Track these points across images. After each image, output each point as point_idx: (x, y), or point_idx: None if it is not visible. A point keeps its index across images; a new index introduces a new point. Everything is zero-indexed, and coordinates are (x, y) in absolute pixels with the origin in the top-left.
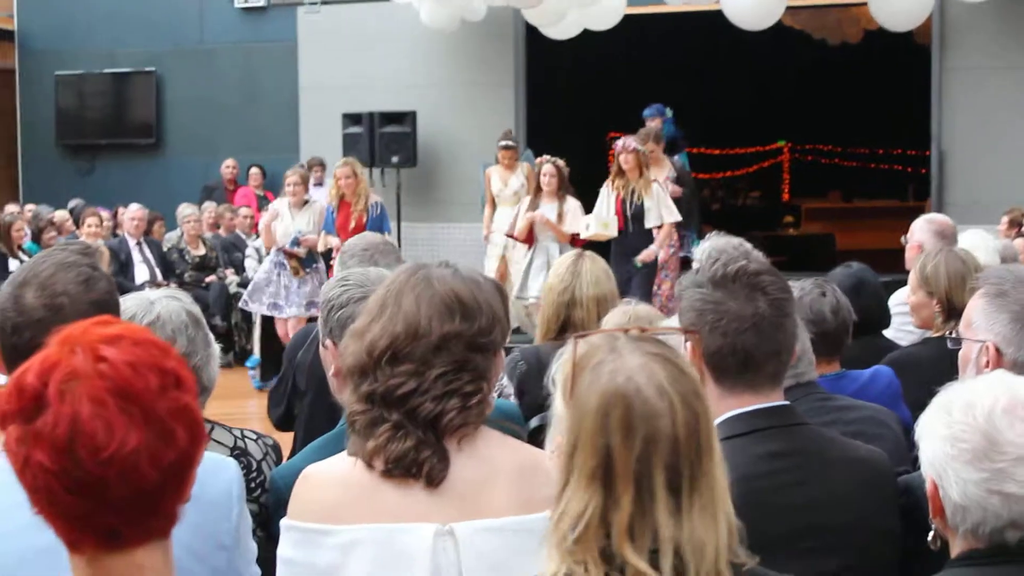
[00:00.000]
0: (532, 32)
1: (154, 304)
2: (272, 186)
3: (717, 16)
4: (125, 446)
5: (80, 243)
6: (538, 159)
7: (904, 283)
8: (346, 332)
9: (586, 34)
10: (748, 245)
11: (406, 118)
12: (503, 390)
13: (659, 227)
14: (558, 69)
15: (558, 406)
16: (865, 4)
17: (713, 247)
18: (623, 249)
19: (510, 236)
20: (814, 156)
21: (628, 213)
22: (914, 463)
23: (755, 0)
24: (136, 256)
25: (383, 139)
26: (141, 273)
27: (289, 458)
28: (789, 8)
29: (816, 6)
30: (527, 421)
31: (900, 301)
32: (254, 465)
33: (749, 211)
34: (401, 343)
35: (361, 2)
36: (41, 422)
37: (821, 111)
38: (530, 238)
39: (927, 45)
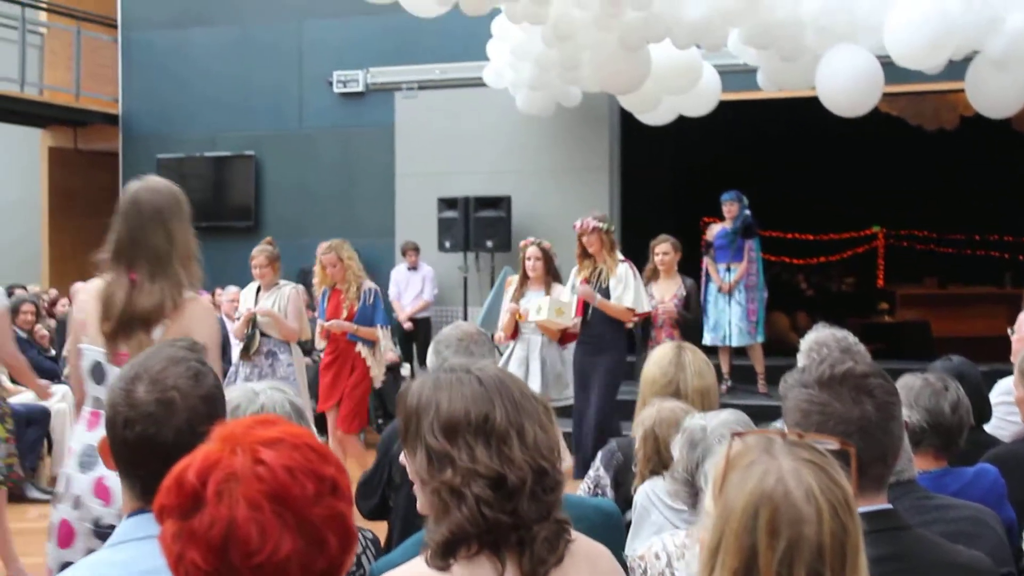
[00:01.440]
0: (627, 117)
1: (258, 395)
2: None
3: (813, 102)
4: (278, 552)
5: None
6: (522, 242)
7: (1004, 373)
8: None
9: (681, 120)
10: (853, 338)
11: (501, 203)
12: (599, 480)
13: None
14: (653, 154)
15: (707, 503)
16: (962, 91)
17: (817, 340)
18: (588, 338)
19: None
20: (909, 242)
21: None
22: (1020, 569)
23: (852, 87)
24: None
25: (478, 223)
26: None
27: (385, 551)
28: (886, 95)
29: (913, 93)
30: (623, 513)
31: (1003, 391)
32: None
33: (843, 297)
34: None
35: (457, 88)
36: (197, 521)
37: (916, 197)
38: (514, 332)
39: None
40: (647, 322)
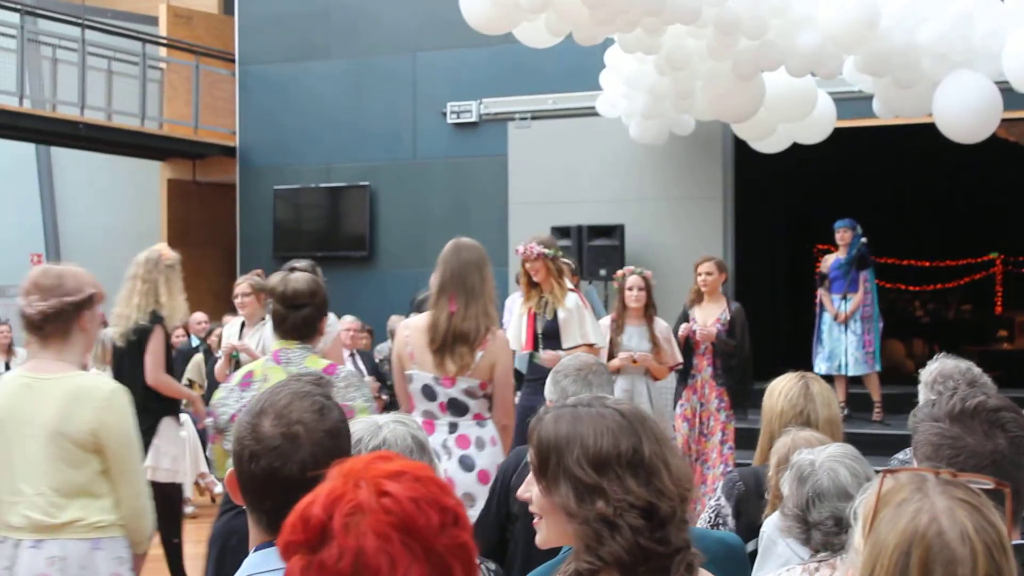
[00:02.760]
0: (741, 145)
1: (381, 428)
2: None
3: (929, 129)
4: None
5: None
6: (620, 271)
7: None
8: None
9: (795, 147)
10: (977, 370)
11: (614, 231)
12: (720, 510)
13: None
14: (766, 182)
15: (856, 539)
16: None
17: (942, 372)
18: (536, 376)
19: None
20: None
21: (539, 331)
22: None
23: (970, 114)
24: (349, 367)
25: (591, 252)
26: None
27: None
28: (1004, 121)
29: None
30: (745, 542)
31: None
32: None
33: (960, 324)
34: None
35: (570, 117)
36: (327, 554)
37: None
38: None
39: None
40: (688, 349)
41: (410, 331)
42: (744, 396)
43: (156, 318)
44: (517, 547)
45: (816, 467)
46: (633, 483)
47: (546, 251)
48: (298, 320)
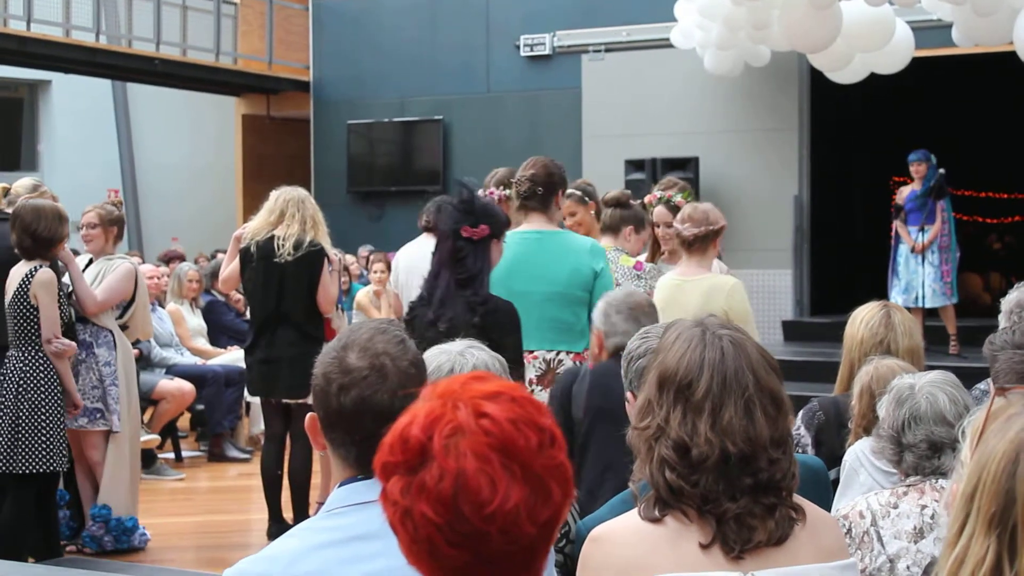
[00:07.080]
0: (817, 76)
1: (463, 355)
2: None
3: (1010, 58)
4: (507, 502)
5: (387, 319)
6: (647, 196)
7: None
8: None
9: (873, 77)
10: None
11: (689, 164)
12: (800, 440)
13: None
14: (843, 113)
15: (965, 455)
16: None
17: (1019, 301)
18: None
19: None
20: None
21: None
22: None
23: None
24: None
25: None
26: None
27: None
28: None
29: None
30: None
31: None
32: None
33: None
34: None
35: (644, 49)
36: (427, 475)
37: None
38: None
39: None
40: None
41: None
42: None
43: (322, 250)
44: (591, 450)
45: (915, 391)
46: (676, 415)
47: (507, 192)
48: (606, 218)
